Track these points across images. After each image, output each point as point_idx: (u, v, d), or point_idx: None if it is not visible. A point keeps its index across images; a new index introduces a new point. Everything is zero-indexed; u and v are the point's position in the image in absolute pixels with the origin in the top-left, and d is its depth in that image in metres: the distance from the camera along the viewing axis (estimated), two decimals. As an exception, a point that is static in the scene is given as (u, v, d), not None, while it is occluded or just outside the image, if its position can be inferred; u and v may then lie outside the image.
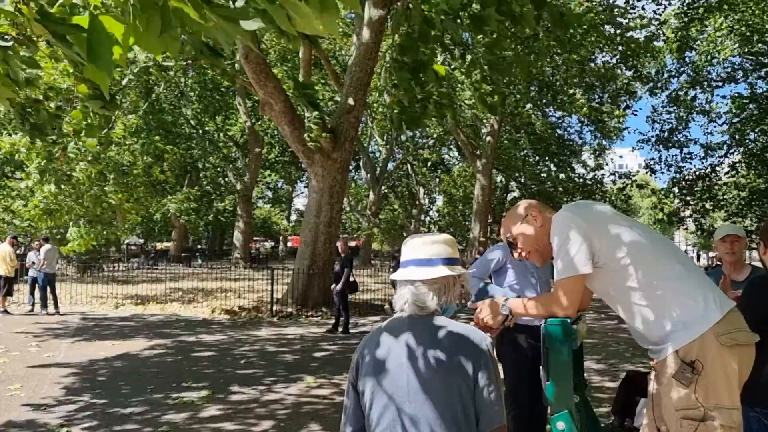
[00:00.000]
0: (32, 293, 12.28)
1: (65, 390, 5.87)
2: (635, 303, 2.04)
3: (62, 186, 12.83)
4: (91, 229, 14.89)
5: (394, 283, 1.81)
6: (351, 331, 9.92)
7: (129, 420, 4.89)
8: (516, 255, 2.34)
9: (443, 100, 5.65)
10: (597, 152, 27.70)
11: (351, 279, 10.09)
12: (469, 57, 7.85)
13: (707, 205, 18.33)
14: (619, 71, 18.85)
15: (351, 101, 12.12)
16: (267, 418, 5.02)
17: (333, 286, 10.19)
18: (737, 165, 18.41)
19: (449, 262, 1.75)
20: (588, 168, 28.84)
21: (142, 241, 39.88)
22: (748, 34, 16.60)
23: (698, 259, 40.14)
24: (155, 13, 1.67)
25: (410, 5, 6.44)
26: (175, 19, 1.71)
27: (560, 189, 26.11)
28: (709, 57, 18.69)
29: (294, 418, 5.04)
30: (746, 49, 17.14)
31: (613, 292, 2.11)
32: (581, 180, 27.51)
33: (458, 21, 5.34)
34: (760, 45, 16.84)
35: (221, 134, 31.60)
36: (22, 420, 4.86)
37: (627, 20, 15.94)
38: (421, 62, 5.41)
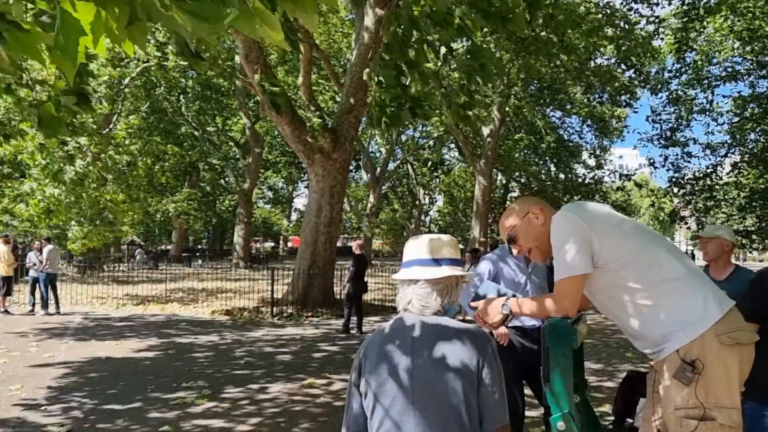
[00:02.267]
0: (32, 293, 12.27)
1: (65, 390, 5.87)
2: (635, 303, 2.04)
3: (61, 187, 12.78)
4: (93, 228, 14.87)
5: None
6: (351, 331, 9.93)
7: (129, 419, 4.89)
8: (515, 251, 2.34)
9: (425, 102, 5.63)
10: (597, 152, 27.69)
11: (365, 279, 10.49)
12: (452, 64, 7.84)
13: (708, 204, 18.31)
14: (619, 72, 18.85)
15: (351, 101, 12.12)
16: (266, 416, 5.03)
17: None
18: (738, 165, 18.39)
19: (452, 262, 1.75)
20: (588, 168, 28.85)
21: (142, 243, 39.87)
22: (749, 34, 16.57)
23: (694, 258, 40.19)
24: (123, 3, 1.67)
25: (399, 5, 6.41)
26: (142, 11, 1.71)
27: (560, 189, 26.08)
28: (709, 57, 18.67)
29: (287, 416, 5.05)
30: (747, 49, 17.12)
31: (611, 293, 2.11)
32: (581, 180, 27.51)
33: (443, 26, 5.30)
34: (760, 46, 16.82)
35: (221, 134, 31.59)
36: (22, 420, 4.86)
37: (626, 22, 15.94)
38: (408, 62, 5.42)
